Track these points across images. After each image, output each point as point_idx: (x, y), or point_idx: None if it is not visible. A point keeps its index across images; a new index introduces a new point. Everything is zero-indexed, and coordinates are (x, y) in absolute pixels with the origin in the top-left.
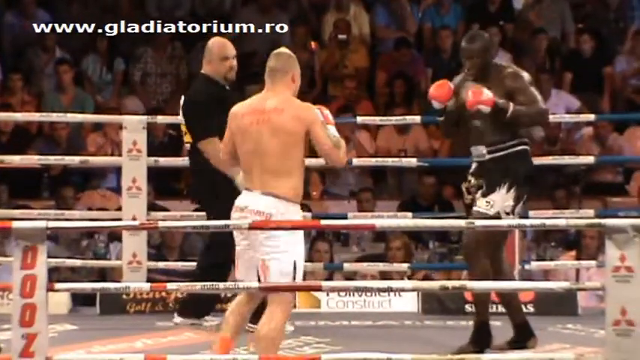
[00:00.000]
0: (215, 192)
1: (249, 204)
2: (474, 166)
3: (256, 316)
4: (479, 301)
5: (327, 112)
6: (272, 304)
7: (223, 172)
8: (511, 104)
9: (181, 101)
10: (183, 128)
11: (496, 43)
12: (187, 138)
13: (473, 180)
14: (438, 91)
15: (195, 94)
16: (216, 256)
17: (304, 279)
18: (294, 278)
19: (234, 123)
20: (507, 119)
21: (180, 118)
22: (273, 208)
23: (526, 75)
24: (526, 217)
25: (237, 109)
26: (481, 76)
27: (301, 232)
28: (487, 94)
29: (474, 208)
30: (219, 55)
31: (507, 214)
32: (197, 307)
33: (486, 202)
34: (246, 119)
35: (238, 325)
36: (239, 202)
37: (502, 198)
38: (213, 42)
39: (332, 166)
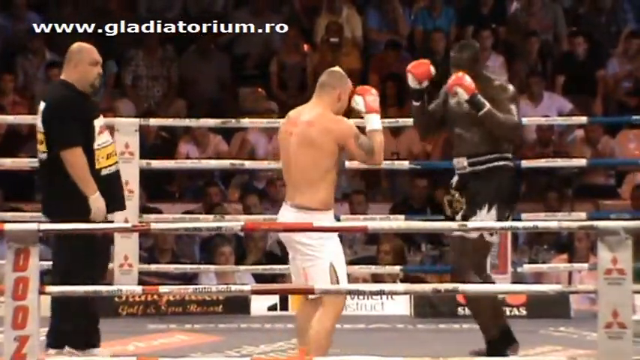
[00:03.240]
0: (71, 209)
1: (279, 217)
2: (455, 178)
3: None
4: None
5: (370, 97)
6: (323, 307)
7: (78, 189)
8: (487, 105)
9: (40, 107)
10: (40, 137)
11: (488, 46)
12: (43, 147)
13: (456, 195)
14: (417, 68)
15: (58, 100)
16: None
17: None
18: (337, 281)
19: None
20: (480, 117)
21: (40, 126)
22: (296, 219)
23: (511, 89)
24: (518, 219)
25: (286, 117)
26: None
27: (334, 236)
28: (469, 81)
29: (455, 233)
30: (90, 59)
31: (491, 234)
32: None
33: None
34: (283, 129)
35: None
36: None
37: (483, 220)
38: (81, 46)
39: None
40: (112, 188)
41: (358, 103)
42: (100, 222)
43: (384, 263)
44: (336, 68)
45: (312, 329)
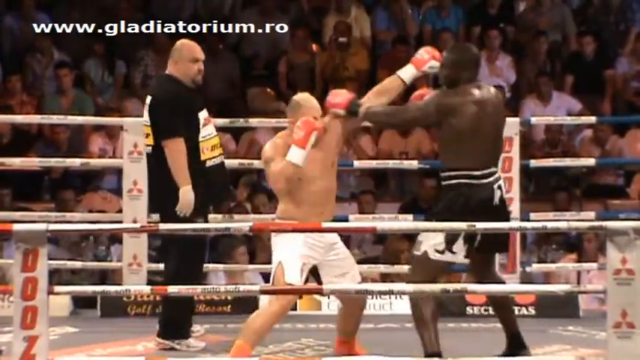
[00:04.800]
0: (173, 200)
1: None
2: None
3: None
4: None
5: (299, 132)
6: (268, 302)
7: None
8: (365, 106)
9: (147, 100)
10: (146, 130)
11: (497, 45)
12: (149, 140)
13: None
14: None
15: (163, 93)
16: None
17: (307, 282)
18: (283, 279)
19: None
20: (361, 120)
21: (144, 120)
22: None
23: (436, 94)
24: (527, 219)
25: None
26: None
27: (290, 235)
28: (344, 95)
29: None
30: (189, 56)
31: (439, 252)
32: (177, 329)
33: (417, 240)
34: None
35: (352, 328)
36: None
37: (430, 236)
38: (183, 43)
39: None
40: (217, 179)
41: (296, 132)
42: (186, 214)
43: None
44: (296, 97)
45: (250, 317)
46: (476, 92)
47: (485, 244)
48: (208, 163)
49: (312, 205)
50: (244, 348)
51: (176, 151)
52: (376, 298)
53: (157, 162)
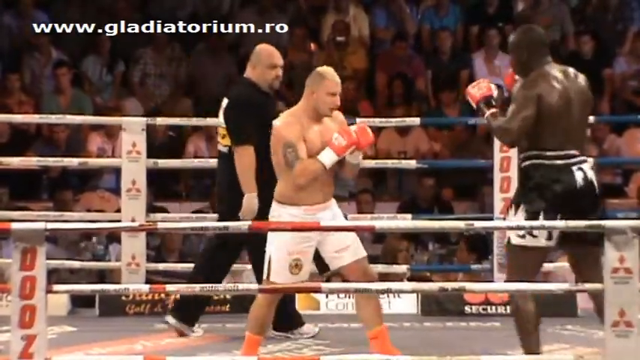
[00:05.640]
0: (238, 204)
1: None
2: None
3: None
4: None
5: (338, 138)
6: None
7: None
8: (488, 112)
9: (223, 103)
10: (222, 131)
11: (495, 44)
12: (225, 141)
13: None
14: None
15: (238, 97)
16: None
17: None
18: (268, 273)
19: None
20: None
21: (219, 121)
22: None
23: (520, 86)
24: None
25: None
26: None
27: (281, 236)
28: (474, 89)
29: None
30: (267, 62)
31: (520, 237)
32: (189, 313)
33: None
34: None
35: (372, 314)
36: None
37: (512, 218)
38: (262, 48)
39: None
40: None
41: (337, 138)
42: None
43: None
44: (319, 68)
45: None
46: (553, 74)
47: (573, 233)
48: None
49: (312, 186)
50: (249, 338)
51: (244, 156)
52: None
53: (231, 163)
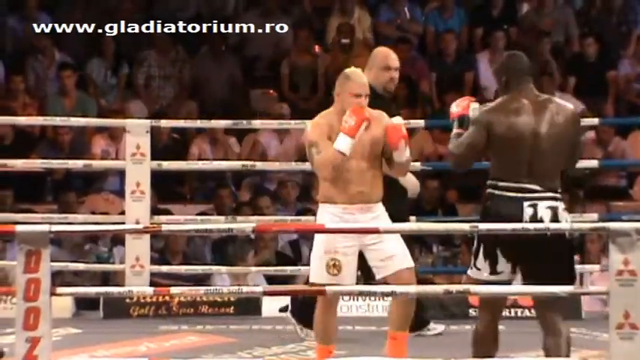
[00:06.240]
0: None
1: None
2: None
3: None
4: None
5: (350, 119)
6: None
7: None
8: (453, 131)
9: None
10: None
11: (500, 46)
12: None
13: None
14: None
15: None
16: None
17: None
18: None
19: None
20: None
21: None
22: None
23: (483, 109)
24: None
25: None
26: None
27: (320, 235)
28: (454, 105)
29: None
30: (381, 64)
31: (470, 267)
32: (306, 315)
33: None
34: None
35: (401, 318)
36: None
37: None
38: (377, 51)
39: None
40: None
41: (346, 120)
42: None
43: None
44: (347, 70)
45: None
46: (516, 103)
47: (525, 269)
48: None
49: (346, 183)
50: (317, 347)
51: None
52: (379, 299)
53: None
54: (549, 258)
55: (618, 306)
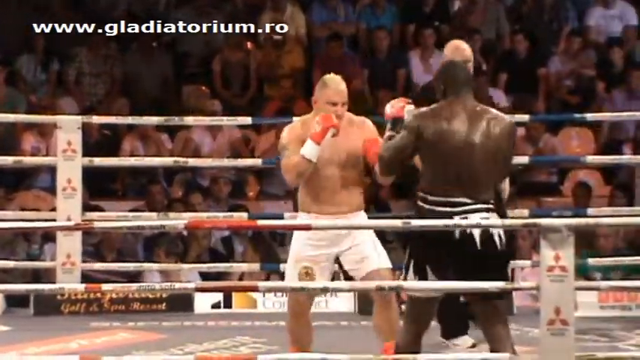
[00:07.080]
0: None
1: None
2: None
3: None
4: None
5: (317, 127)
6: None
7: None
8: (387, 133)
9: None
10: None
11: (431, 43)
12: None
13: None
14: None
15: None
16: None
17: (241, 278)
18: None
19: None
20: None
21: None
22: None
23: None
24: None
25: None
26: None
27: (296, 238)
28: (388, 107)
29: None
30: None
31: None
32: (449, 328)
33: None
34: None
35: (379, 324)
36: None
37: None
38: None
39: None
40: None
41: (314, 126)
42: None
43: None
44: (326, 76)
45: None
46: (447, 111)
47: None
48: None
49: (320, 192)
50: (291, 350)
51: None
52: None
53: None
54: (481, 274)
55: (549, 302)
